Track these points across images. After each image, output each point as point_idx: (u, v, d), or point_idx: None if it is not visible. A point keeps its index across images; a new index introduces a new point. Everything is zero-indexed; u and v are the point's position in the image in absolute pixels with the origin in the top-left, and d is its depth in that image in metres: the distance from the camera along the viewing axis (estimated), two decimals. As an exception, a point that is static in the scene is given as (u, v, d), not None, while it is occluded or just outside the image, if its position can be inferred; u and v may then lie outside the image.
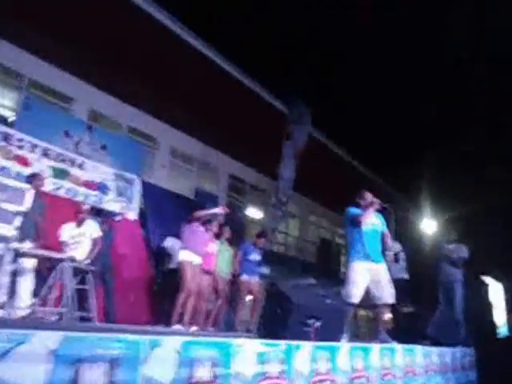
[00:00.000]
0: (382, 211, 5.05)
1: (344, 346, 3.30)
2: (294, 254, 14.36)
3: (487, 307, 21.86)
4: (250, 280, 7.00)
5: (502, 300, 25.95)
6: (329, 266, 15.66)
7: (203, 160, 12.56)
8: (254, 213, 13.75)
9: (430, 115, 20.12)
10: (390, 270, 7.55)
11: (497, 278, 24.64)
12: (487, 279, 23.10)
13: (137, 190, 8.34)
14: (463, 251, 7.20)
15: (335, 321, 3.50)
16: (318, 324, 3.19)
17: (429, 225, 18.39)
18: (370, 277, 4.70)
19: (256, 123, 12.85)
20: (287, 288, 3.28)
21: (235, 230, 11.08)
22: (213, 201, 11.37)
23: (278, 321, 3.18)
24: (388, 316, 5.17)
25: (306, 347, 2.85)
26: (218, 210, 6.27)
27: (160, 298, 6.71)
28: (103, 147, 8.64)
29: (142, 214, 8.37)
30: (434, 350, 5.42)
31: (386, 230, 5.05)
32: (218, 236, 7.10)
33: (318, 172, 15.35)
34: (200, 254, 5.77)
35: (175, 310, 5.33)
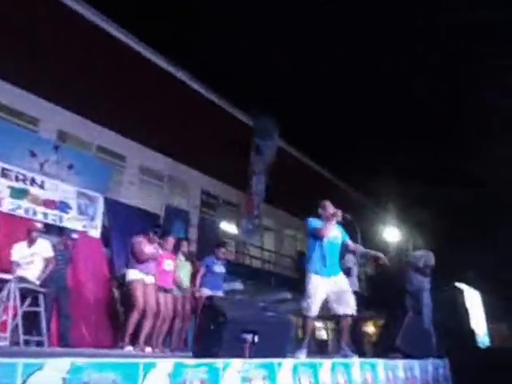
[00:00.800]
0: (344, 222, 4.90)
1: (286, 362, 3.09)
2: (270, 268, 14.15)
3: (464, 315, 21.85)
4: (216, 293, 6.77)
5: (480, 308, 26.04)
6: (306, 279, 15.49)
7: (173, 176, 12.39)
8: (227, 227, 13.54)
9: (396, 125, 20.40)
10: None
11: (473, 285, 24.73)
12: (462, 286, 23.15)
13: (100, 208, 8.13)
14: (430, 258, 7.09)
15: (277, 335, 3.29)
16: (255, 339, 2.97)
17: (393, 233, 18.41)
18: (329, 289, 4.60)
19: (225, 137, 12.79)
20: (222, 301, 3.09)
21: (208, 246, 11.00)
22: (184, 217, 11.19)
23: (211, 337, 2.96)
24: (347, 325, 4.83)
25: (235, 365, 2.66)
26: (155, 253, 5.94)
27: (121, 319, 6.43)
28: (70, 166, 8.46)
29: (107, 233, 8.21)
30: (400, 363, 5.19)
31: (348, 241, 4.97)
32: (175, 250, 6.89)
33: (292, 185, 15.31)
34: (151, 272, 5.55)
35: (127, 332, 5.09)
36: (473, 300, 24.78)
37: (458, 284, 22.74)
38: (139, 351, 5.06)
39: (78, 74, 9.87)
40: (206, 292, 6.63)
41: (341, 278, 4.77)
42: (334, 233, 4.81)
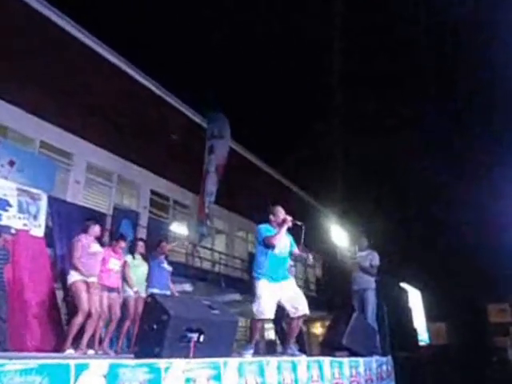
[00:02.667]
0: (294, 228, 4.85)
1: (231, 361, 2.98)
2: (220, 270, 13.99)
3: (408, 314, 22.60)
4: (165, 293, 6.58)
5: (421, 308, 27.02)
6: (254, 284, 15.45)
7: (123, 176, 12.00)
8: (178, 229, 13.28)
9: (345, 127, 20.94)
10: None
11: (415, 285, 25.63)
12: (406, 286, 23.92)
13: (43, 207, 7.69)
14: (375, 258, 7.22)
15: (222, 334, 3.18)
16: (200, 338, 2.84)
17: (340, 235, 18.76)
18: (281, 294, 4.62)
19: (177, 137, 12.57)
20: (165, 299, 2.94)
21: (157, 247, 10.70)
22: (133, 217, 10.86)
23: (154, 337, 2.80)
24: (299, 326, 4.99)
25: (179, 365, 2.51)
26: None
27: (65, 322, 6.11)
28: (11, 163, 8.04)
29: (50, 233, 7.81)
30: (346, 360, 5.21)
31: (296, 250, 4.94)
32: (131, 251, 6.70)
33: (243, 186, 15.26)
34: (94, 272, 5.31)
35: (69, 334, 4.84)
36: (415, 299, 25.74)
37: (402, 284, 23.51)
38: (81, 354, 4.80)
39: (20, 64, 9.41)
40: (154, 292, 6.46)
41: (290, 282, 4.82)
42: (284, 240, 4.78)
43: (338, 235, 18.98)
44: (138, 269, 6.59)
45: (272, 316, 4.59)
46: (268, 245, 4.63)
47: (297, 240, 4.97)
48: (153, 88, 12.96)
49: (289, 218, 4.70)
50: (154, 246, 9.81)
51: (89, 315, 5.15)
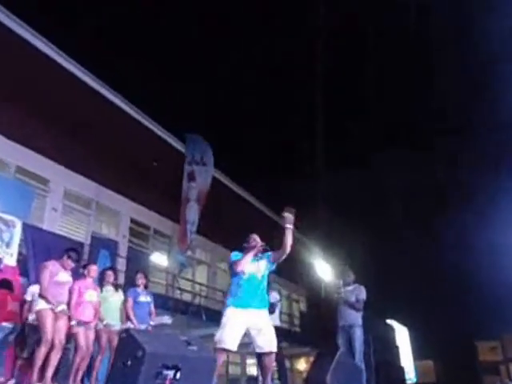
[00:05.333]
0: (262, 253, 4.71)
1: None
2: (201, 302, 13.85)
3: (395, 351, 22.53)
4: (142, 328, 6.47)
5: (408, 345, 26.96)
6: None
7: (101, 203, 11.96)
8: (158, 259, 13.18)
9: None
10: None
11: (401, 321, 25.63)
12: (393, 323, 23.92)
13: (17, 234, 7.65)
14: (362, 293, 7.15)
15: (200, 371, 3.14)
16: (176, 375, 2.81)
17: (325, 269, 18.76)
18: (249, 324, 4.41)
19: (158, 165, 12.62)
20: (140, 334, 2.90)
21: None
22: (112, 247, 10.79)
23: (128, 374, 2.77)
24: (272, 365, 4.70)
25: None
26: None
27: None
28: (-16, 189, 8.00)
29: (24, 261, 7.73)
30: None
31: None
32: (101, 281, 6.62)
33: (226, 217, 15.26)
34: (62, 301, 5.26)
35: (34, 366, 4.76)
36: (402, 336, 25.69)
37: (389, 321, 23.49)
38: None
39: None
40: (131, 326, 6.38)
41: (262, 313, 4.58)
42: (254, 267, 4.63)
43: (323, 269, 19.01)
44: (108, 300, 6.45)
45: (234, 348, 4.35)
46: (233, 270, 4.55)
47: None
48: (132, 113, 13.00)
49: (259, 244, 4.65)
50: (132, 277, 9.78)
51: (52, 346, 5.05)
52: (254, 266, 4.64)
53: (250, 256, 4.57)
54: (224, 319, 4.41)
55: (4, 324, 5.99)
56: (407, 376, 24.71)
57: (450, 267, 25.21)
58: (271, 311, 7.29)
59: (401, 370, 22.78)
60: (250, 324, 4.41)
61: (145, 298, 6.76)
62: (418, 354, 28.15)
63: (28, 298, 6.29)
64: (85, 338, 5.64)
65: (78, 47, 12.32)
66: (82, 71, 11.67)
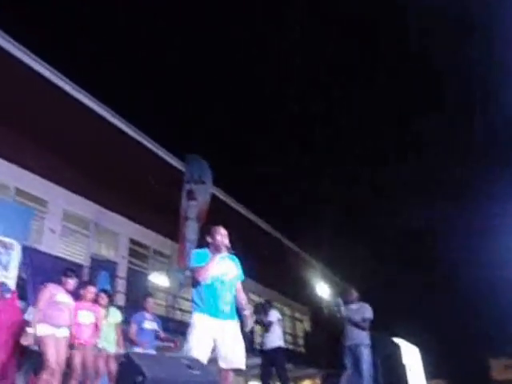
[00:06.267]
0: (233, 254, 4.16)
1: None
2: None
3: (401, 371, 22.21)
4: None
5: (419, 365, 26.56)
6: (244, 334, 15.28)
7: (100, 224, 12.04)
8: (157, 279, 13.20)
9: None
10: (263, 339, 7.38)
11: (411, 340, 25.29)
12: (400, 341, 23.60)
13: (15, 257, 7.71)
14: (367, 311, 7.10)
15: None
16: None
17: (326, 287, 18.64)
18: (216, 335, 3.87)
19: (156, 184, 12.72)
20: (140, 359, 2.90)
21: (137, 299, 10.63)
22: (111, 268, 10.83)
23: None
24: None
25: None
26: None
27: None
28: (-18, 211, 8.08)
29: (23, 285, 7.77)
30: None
31: (239, 284, 4.19)
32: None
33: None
34: (63, 324, 5.28)
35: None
36: (411, 355, 25.35)
37: (395, 339, 23.22)
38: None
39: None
40: (136, 351, 6.38)
41: (230, 323, 3.98)
42: (223, 269, 4.02)
43: (325, 287, 18.96)
44: (107, 323, 6.47)
45: (204, 360, 3.73)
46: (194, 277, 3.98)
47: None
48: (131, 133, 13.30)
49: (224, 245, 4.03)
50: (135, 297, 9.78)
51: (52, 373, 5.02)
52: (223, 268, 4.05)
53: (213, 263, 3.95)
54: (190, 326, 3.91)
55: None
56: (418, 397, 24.25)
57: (462, 283, 25.07)
58: (266, 330, 7.33)
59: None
60: (218, 335, 3.89)
61: (150, 325, 6.71)
62: (430, 373, 27.75)
63: (29, 317, 6.30)
64: (81, 360, 5.65)
65: (76, 68, 12.54)
66: (81, 92, 11.90)
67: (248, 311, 4.11)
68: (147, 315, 6.78)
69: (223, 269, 4.02)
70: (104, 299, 6.62)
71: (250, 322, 4.13)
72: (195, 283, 4.00)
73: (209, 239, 4.13)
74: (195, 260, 4.02)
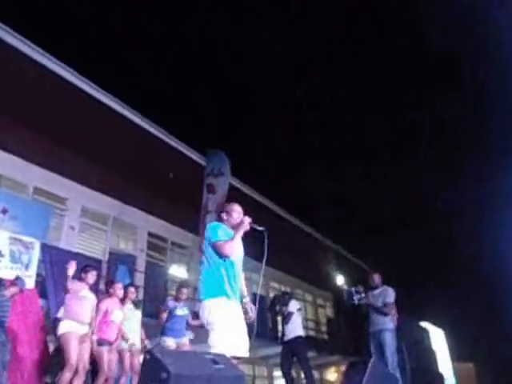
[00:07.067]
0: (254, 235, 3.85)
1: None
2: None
3: (431, 356, 22.08)
4: (179, 342, 6.54)
5: (445, 347, 26.36)
6: (265, 323, 15.33)
7: (118, 218, 12.17)
8: (177, 271, 13.32)
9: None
10: (284, 330, 7.35)
11: (436, 323, 25.07)
12: (427, 325, 23.43)
13: (35, 256, 7.87)
14: (389, 295, 7.00)
15: None
16: None
17: (346, 274, 18.51)
18: (235, 321, 3.62)
19: (174, 176, 12.78)
20: (164, 355, 2.89)
21: (157, 292, 10.75)
22: (130, 262, 10.97)
23: None
24: None
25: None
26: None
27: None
28: (3, 211, 8.26)
29: (43, 282, 7.92)
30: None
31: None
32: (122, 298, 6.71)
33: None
34: (86, 322, 5.35)
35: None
36: (437, 339, 25.19)
37: (423, 323, 23.06)
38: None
39: (13, 109, 9.72)
40: (169, 341, 6.48)
41: (241, 309, 3.77)
42: (241, 246, 3.89)
43: (347, 273, 18.88)
44: (130, 319, 6.57)
45: (237, 352, 3.49)
46: (219, 253, 3.67)
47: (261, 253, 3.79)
48: (147, 127, 13.44)
49: (247, 220, 3.80)
50: (154, 290, 9.85)
51: (76, 371, 5.12)
52: (240, 248, 3.90)
53: (238, 236, 3.74)
54: (213, 314, 3.55)
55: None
56: (446, 382, 24.11)
57: (487, 264, 24.66)
58: (286, 321, 7.33)
59: (439, 377, 22.22)
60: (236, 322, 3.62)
61: (182, 311, 6.73)
62: (456, 356, 27.48)
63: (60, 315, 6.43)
64: (108, 358, 5.73)
65: (95, 67, 12.65)
66: (96, 89, 12.09)
67: (247, 298, 3.92)
68: (179, 303, 6.76)
69: (241, 246, 3.89)
70: (133, 294, 6.74)
71: (252, 308, 3.87)
72: (219, 257, 3.68)
73: (224, 216, 3.92)
74: (223, 233, 3.75)
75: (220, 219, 3.95)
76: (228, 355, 3.33)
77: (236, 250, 3.75)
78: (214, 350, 3.38)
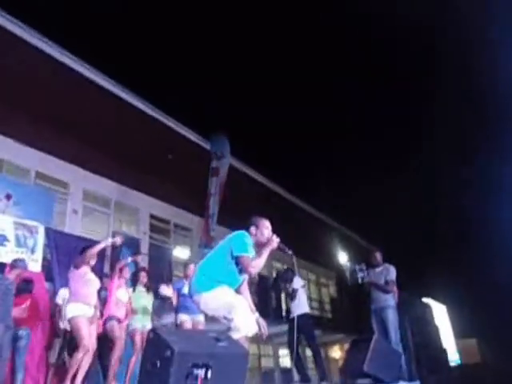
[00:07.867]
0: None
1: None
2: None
3: (435, 332, 22.31)
4: (194, 318, 6.69)
5: (448, 324, 26.64)
6: (268, 303, 15.52)
7: (121, 202, 12.27)
8: (180, 253, 13.47)
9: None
10: (290, 307, 7.46)
11: (439, 299, 25.22)
12: (429, 301, 23.61)
13: (40, 240, 8.00)
14: (390, 273, 7.09)
15: (232, 368, 3.16)
16: (207, 374, 2.87)
17: (349, 252, 18.62)
18: None
19: (174, 158, 12.83)
20: (168, 333, 2.97)
21: (160, 273, 10.88)
22: (133, 244, 11.07)
23: (157, 375, 2.86)
24: None
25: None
26: (106, 243, 5.86)
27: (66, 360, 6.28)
28: (7, 196, 8.36)
29: (48, 266, 8.06)
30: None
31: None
32: (134, 282, 6.88)
33: (247, 206, 15.42)
34: (93, 304, 5.49)
35: (70, 371, 5.00)
36: (440, 315, 25.45)
37: (425, 299, 23.24)
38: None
39: (12, 94, 9.75)
40: (184, 317, 6.66)
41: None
42: None
43: (350, 251, 19.00)
44: (141, 301, 6.73)
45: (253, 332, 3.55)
46: (244, 268, 3.59)
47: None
48: (148, 110, 13.41)
49: (276, 240, 3.73)
50: (158, 272, 9.99)
51: (86, 352, 5.23)
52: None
53: (265, 256, 3.63)
54: (226, 299, 3.55)
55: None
56: (450, 358, 24.36)
57: (493, 237, 24.56)
58: (292, 298, 7.44)
59: (443, 352, 22.43)
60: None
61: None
62: (459, 333, 27.73)
63: (59, 301, 6.58)
64: (119, 333, 5.91)
65: (96, 52, 12.58)
66: (95, 73, 12.05)
67: (257, 314, 3.89)
68: (186, 282, 6.80)
69: None
70: (145, 277, 6.92)
71: (264, 325, 3.89)
72: (238, 268, 3.62)
73: (253, 231, 3.77)
74: (246, 245, 3.64)
75: (247, 231, 3.79)
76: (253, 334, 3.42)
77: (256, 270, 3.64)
78: (240, 335, 3.41)
